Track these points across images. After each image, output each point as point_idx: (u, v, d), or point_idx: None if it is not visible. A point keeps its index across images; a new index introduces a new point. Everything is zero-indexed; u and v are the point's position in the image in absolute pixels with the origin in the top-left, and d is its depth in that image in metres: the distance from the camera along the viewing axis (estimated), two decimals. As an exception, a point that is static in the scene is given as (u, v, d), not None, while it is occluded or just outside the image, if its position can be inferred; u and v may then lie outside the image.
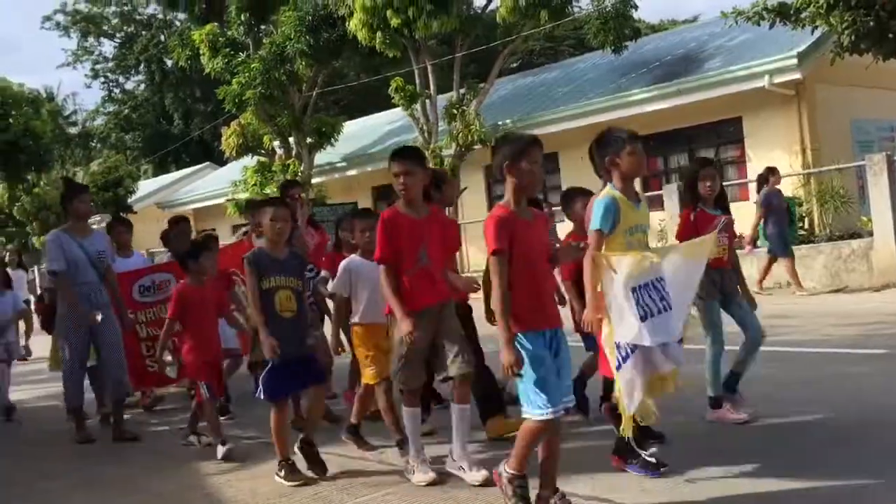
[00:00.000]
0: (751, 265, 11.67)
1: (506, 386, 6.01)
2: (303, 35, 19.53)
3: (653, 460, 4.45)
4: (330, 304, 6.22)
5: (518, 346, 3.80)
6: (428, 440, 5.23)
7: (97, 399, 7.55)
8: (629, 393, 4.18)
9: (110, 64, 49.12)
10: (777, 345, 7.25)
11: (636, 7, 18.30)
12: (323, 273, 6.71)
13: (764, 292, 11.65)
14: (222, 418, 6.59)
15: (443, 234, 4.92)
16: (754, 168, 15.04)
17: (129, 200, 31.48)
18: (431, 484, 4.64)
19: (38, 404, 8.47)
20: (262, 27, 22.73)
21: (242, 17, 21.48)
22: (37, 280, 22.94)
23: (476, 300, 5.45)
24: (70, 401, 6.88)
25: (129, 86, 49.78)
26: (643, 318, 4.11)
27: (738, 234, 6.12)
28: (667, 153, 17.68)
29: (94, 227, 7.64)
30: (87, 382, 7.10)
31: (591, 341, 5.12)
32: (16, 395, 8.43)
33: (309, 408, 5.39)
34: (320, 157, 22.50)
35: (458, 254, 6.82)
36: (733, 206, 6.10)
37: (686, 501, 4.11)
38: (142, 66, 46.66)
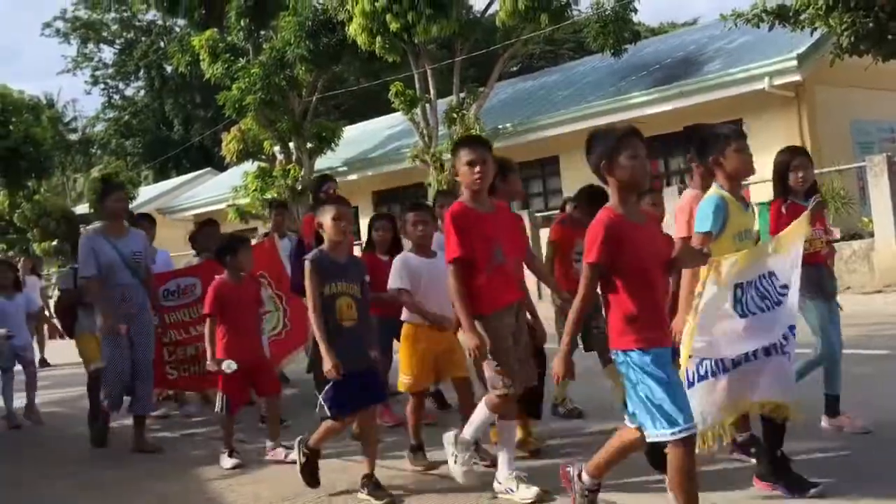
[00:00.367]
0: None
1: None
2: (303, 40, 19.54)
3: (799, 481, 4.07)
4: None
5: (638, 367, 3.45)
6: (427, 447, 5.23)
7: (91, 404, 7.15)
8: (704, 408, 3.88)
9: (110, 70, 49.16)
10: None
11: (636, 10, 18.36)
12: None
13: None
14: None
15: (513, 231, 4.59)
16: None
17: (130, 206, 31.46)
18: (539, 500, 4.28)
19: (41, 409, 8.48)
20: (262, 32, 22.76)
21: (242, 23, 21.49)
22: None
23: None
24: (110, 406, 6.59)
25: (129, 92, 49.87)
26: (742, 316, 3.86)
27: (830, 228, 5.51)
28: (667, 156, 17.68)
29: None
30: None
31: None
32: (18, 401, 8.41)
33: (362, 429, 4.96)
34: (321, 162, 22.51)
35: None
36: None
37: None
38: (142, 72, 46.70)
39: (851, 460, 4.54)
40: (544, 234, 11.30)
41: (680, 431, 3.38)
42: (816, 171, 14.88)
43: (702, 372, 3.95)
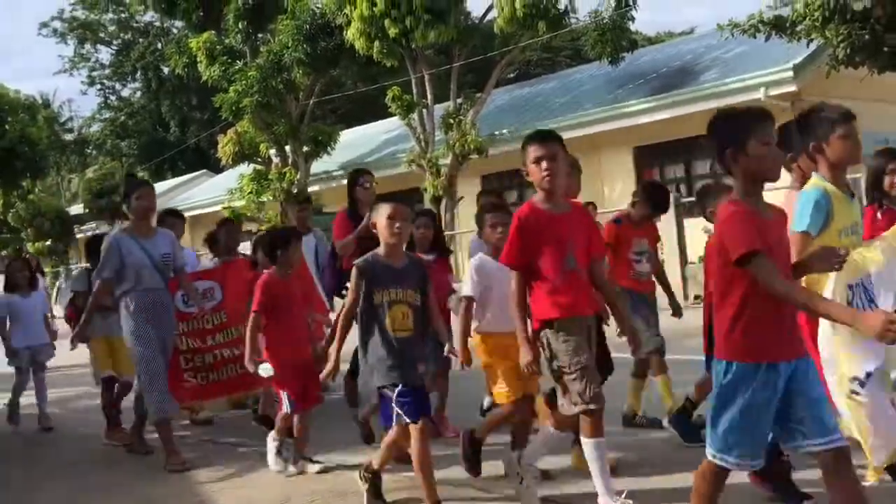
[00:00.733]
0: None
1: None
2: (300, 43, 19.56)
3: None
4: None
5: (726, 379, 3.00)
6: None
7: (107, 417, 6.89)
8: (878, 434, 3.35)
9: (107, 71, 49.15)
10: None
11: (633, 19, 18.36)
12: None
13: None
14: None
15: (588, 235, 4.16)
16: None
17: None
18: None
19: (33, 411, 8.42)
20: (260, 35, 22.78)
21: (240, 25, 21.51)
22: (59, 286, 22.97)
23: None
24: (157, 412, 5.92)
25: (125, 93, 49.91)
26: None
27: None
28: (663, 165, 17.71)
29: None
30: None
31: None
32: (19, 400, 8.29)
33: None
34: (317, 166, 22.51)
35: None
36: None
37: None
38: (138, 73, 46.69)
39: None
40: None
41: (725, 462, 3.04)
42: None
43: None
